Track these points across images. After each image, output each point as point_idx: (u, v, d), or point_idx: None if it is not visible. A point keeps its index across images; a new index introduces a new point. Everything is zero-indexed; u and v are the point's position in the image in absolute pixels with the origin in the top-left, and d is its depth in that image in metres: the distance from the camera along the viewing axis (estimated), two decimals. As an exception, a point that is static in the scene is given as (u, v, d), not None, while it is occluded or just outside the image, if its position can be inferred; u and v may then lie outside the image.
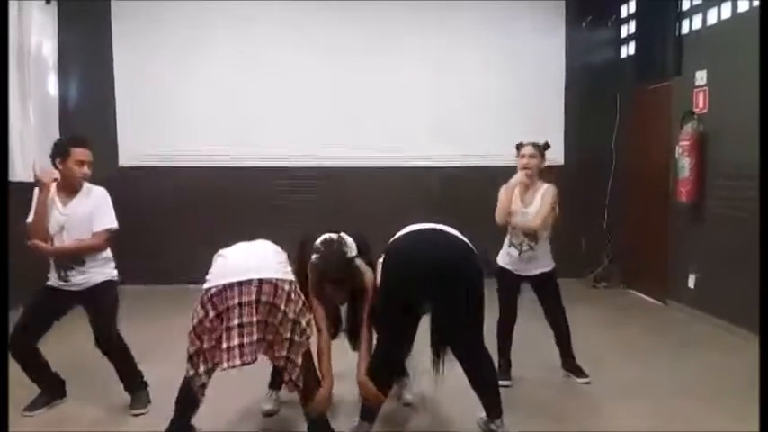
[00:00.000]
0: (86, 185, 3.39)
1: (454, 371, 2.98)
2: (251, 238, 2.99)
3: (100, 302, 3.37)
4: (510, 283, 3.86)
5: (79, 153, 3.29)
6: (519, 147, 3.85)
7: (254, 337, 2.62)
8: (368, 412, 2.99)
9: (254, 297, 2.61)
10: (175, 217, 6.62)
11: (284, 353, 2.70)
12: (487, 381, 3.02)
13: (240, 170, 6.75)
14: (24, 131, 5.70)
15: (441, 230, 2.98)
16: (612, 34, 6.99)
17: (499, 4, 6.86)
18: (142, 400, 3.44)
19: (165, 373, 3.50)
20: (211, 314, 2.62)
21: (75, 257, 3.30)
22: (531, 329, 4.05)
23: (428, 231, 2.98)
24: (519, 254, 3.77)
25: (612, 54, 7.00)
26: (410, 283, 2.79)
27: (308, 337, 2.79)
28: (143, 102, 6.73)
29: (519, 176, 3.75)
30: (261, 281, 2.63)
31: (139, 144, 6.70)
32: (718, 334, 4.86)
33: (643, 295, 6.29)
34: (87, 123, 6.20)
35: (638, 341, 4.77)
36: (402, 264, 2.85)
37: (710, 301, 5.20)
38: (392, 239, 3.02)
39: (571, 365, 3.94)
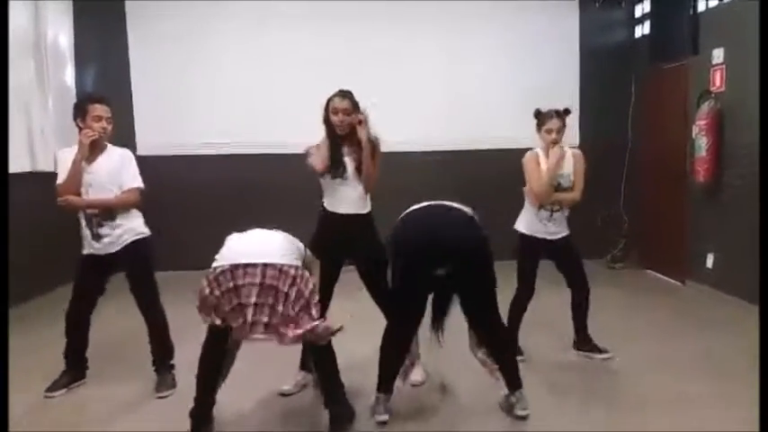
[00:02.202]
0: (110, 146, 3.48)
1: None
2: (270, 224, 3.04)
3: (137, 261, 3.48)
4: (534, 251, 3.82)
5: (95, 109, 3.35)
6: (539, 116, 3.79)
7: (261, 318, 2.68)
8: (385, 384, 3.05)
9: (257, 280, 2.68)
10: (192, 204, 6.70)
11: (292, 333, 2.73)
12: (505, 350, 3.08)
13: (258, 158, 6.79)
14: (44, 123, 5.78)
15: (444, 204, 3.07)
16: (627, 14, 6.93)
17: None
18: (168, 383, 3.50)
19: (188, 358, 3.57)
20: (216, 292, 2.71)
21: (106, 214, 3.38)
22: (543, 307, 4.07)
23: (434, 206, 3.07)
24: (551, 215, 3.77)
25: (627, 34, 6.94)
26: (422, 251, 2.87)
27: (321, 317, 2.83)
28: (159, 91, 6.79)
29: (556, 152, 3.68)
30: (265, 265, 2.69)
31: (156, 133, 6.77)
32: (738, 314, 4.85)
33: (661, 275, 6.28)
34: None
35: (656, 321, 4.77)
36: (413, 233, 2.94)
37: (729, 281, 5.18)
38: (401, 216, 3.08)
39: (588, 344, 3.95)
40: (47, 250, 5.61)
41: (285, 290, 2.70)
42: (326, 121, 3.37)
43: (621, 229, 6.89)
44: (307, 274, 2.83)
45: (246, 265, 2.69)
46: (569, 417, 3.15)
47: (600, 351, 3.91)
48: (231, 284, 2.69)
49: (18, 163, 5.34)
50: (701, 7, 5.59)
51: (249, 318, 2.68)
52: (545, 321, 4.34)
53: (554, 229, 3.80)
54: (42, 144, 5.70)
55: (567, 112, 3.79)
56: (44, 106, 5.82)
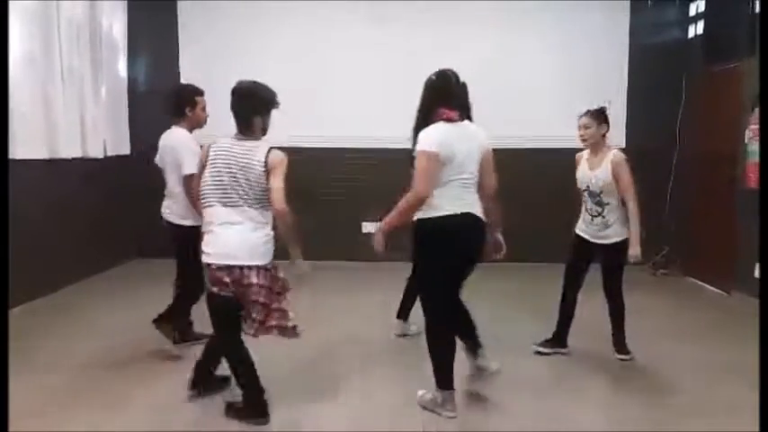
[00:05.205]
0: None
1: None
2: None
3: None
4: (580, 251, 3.85)
5: (203, 101, 3.87)
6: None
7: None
8: (444, 381, 3.06)
9: (227, 279, 2.95)
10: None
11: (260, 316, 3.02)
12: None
13: (306, 151, 6.82)
14: (96, 111, 5.97)
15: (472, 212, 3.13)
16: (680, 13, 6.73)
17: (562, -17, 6.72)
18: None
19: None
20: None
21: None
22: (590, 307, 4.05)
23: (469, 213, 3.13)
24: (591, 219, 3.78)
25: (680, 33, 6.75)
26: (457, 248, 3.03)
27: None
28: (208, 82, 6.88)
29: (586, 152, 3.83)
30: (230, 266, 2.94)
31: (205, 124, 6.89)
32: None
33: (705, 284, 6.10)
34: (155, 104, 6.40)
35: (696, 330, 4.66)
36: (451, 233, 3.04)
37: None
38: (439, 216, 3.07)
39: (616, 344, 3.92)
40: (110, 226, 5.83)
41: (255, 281, 2.95)
42: None
43: (666, 235, 6.71)
44: (274, 271, 3.04)
45: (219, 267, 2.96)
46: (593, 414, 3.17)
47: (620, 351, 3.88)
48: (214, 278, 2.98)
49: (70, 149, 5.55)
50: (759, 7, 5.39)
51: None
52: (589, 320, 4.29)
53: (598, 233, 3.77)
54: (93, 131, 5.89)
55: (600, 110, 3.74)
56: (97, 95, 6.02)
